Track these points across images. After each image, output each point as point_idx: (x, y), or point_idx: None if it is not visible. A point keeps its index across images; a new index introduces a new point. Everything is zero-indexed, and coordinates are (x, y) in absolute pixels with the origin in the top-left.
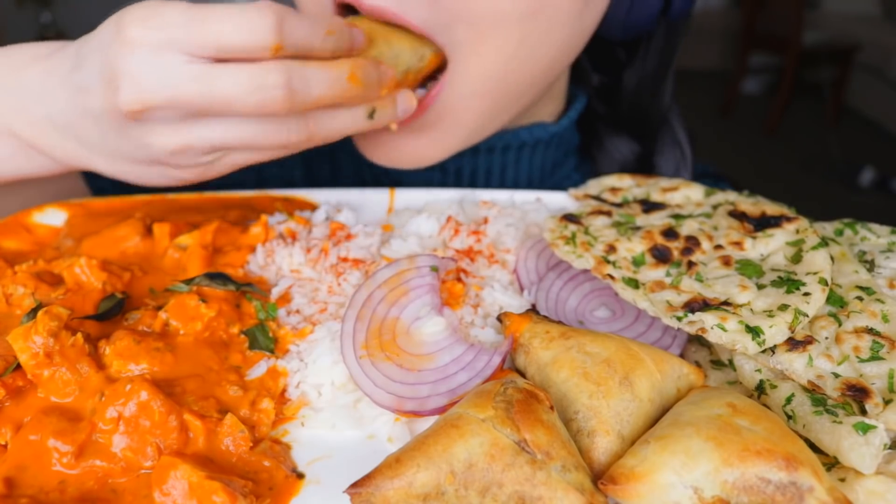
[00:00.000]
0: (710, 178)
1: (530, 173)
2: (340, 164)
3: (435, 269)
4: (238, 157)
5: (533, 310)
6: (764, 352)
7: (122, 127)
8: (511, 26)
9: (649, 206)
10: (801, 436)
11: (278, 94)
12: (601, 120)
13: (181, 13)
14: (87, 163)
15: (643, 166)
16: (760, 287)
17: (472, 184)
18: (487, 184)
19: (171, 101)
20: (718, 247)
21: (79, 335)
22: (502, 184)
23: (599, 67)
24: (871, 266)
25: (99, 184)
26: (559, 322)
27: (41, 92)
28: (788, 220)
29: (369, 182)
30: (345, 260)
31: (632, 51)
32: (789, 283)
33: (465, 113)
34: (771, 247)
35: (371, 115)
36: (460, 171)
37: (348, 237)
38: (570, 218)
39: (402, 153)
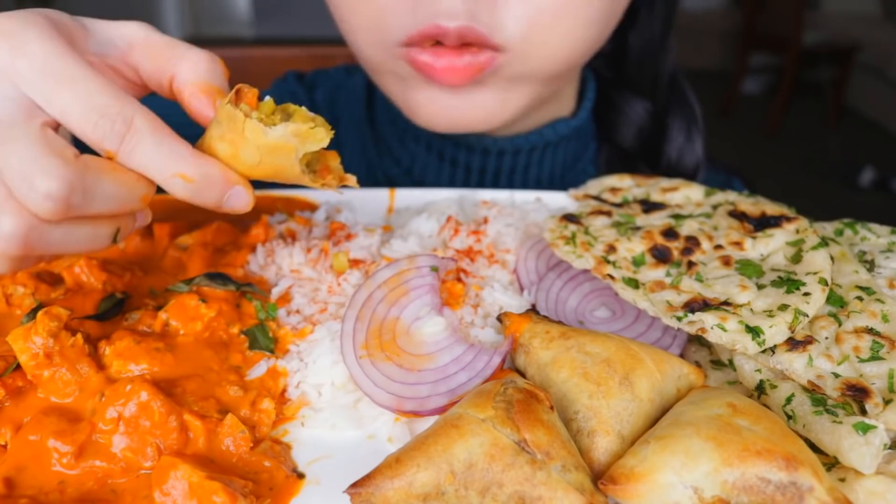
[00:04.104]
0: (723, 173)
1: (552, 169)
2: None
3: (435, 269)
4: None
5: (533, 310)
6: (764, 352)
7: None
8: (584, 24)
9: (649, 206)
10: (801, 436)
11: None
12: (613, 86)
13: None
14: None
15: (657, 126)
16: (760, 287)
17: (495, 183)
18: (510, 183)
19: None
20: (718, 247)
21: (79, 335)
22: (525, 183)
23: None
24: (871, 266)
25: None
26: (559, 322)
27: None
28: (788, 220)
29: (381, 182)
30: None
31: (634, 15)
32: (789, 283)
33: (518, 84)
34: (771, 247)
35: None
36: (484, 169)
37: (348, 237)
38: (570, 218)
39: (452, 116)
